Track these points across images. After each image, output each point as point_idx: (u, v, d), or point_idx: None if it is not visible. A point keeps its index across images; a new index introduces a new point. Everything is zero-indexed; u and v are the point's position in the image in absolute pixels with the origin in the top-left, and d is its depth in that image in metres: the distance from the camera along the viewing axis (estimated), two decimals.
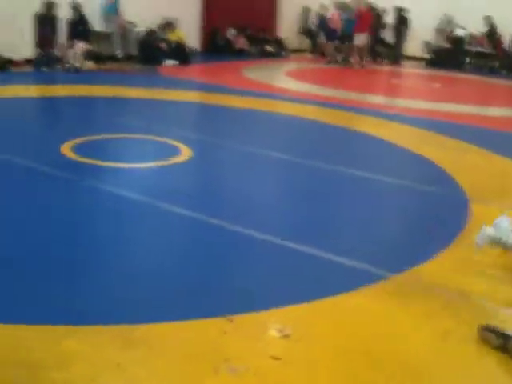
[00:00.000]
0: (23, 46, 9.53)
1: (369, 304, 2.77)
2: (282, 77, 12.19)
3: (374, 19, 15.31)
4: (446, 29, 15.91)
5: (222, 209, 3.92)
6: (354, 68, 14.60)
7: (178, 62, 11.83)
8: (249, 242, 3.40)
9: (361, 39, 15.02)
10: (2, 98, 7.30)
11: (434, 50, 15.88)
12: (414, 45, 16.22)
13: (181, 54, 12.10)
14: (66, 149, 4.96)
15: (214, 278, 2.92)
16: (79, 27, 10.02)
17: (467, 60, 15.71)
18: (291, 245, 3.35)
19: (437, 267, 3.21)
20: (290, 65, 14.35)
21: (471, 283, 3.04)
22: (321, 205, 4.21)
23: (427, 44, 16.31)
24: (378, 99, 9.54)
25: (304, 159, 5.31)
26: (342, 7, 15.51)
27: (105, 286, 2.78)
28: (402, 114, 8.03)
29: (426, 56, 16.16)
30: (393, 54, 16.11)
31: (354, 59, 15.03)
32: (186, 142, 5.55)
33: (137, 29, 11.53)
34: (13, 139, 5.41)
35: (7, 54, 9.30)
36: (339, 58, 15.21)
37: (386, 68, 15.20)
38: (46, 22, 9.46)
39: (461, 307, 2.78)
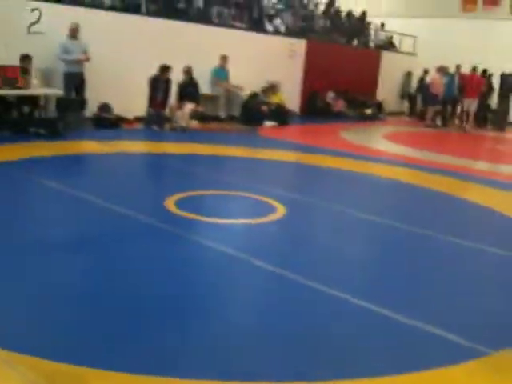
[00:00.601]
0: (136, 106, 10.36)
1: (468, 380, 2.66)
2: (379, 139, 12.20)
3: (484, 84, 15.12)
4: None
5: (311, 268, 3.96)
6: (458, 132, 14.33)
7: (277, 124, 12.26)
8: (339, 305, 3.40)
9: (470, 104, 14.86)
10: (113, 153, 7.94)
11: None
12: None
13: (280, 115, 12.54)
14: (170, 203, 5.28)
15: (303, 346, 2.94)
16: (188, 89, 10.75)
17: None
18: (386, 312, 3.31)
19: None
20: (388, 128, 14.34)
21: None
22: (416, 272, 4.13)
23: None
24: (480, 165, 9.25)
25: (398, 222, 5.26)
26: (444, 72, 15.44)
27: (194, 340, 2.90)
28: (507, 181, 7.73)
29: None
30: (497, 119, 15.65)
31: (460, 124, 14.81)
32: (281, 200, 5.71)
33: (242, 92, 12.16)
34: (121, 192, 5.84)
35: (122, 113, 10.16)
36: (439, 121, 15.02)
37: (489, 134, 14.74)
38: (159, 85, 10.25)
39: None
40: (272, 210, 5.37)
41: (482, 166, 9.22)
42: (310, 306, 3.36)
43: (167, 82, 10.32)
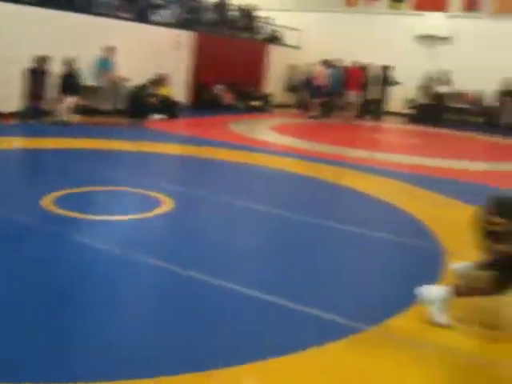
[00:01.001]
0: (11, 99, 9.67)
1: (341, 357, 2.77)
2: (267, 131, 12.44)
3: (364, 77, 15.92)
4: (428, 86, 16.45)
5: (198, 261, 3.93)
6: (342, 123, 14.99)
7: (165, 116, 12.06)
8: (226, 296, 3.40)
9: (352, 96, 15.62)
10: None
11: (417, 106, 16.34)
12: (398, 101, 16.76)
13: (169, 108, 12.35)
14: (48, 201, 4.99)
15: (185, 334, 2.91)
16: (69, 81, 10.23)
17: (449, 116, 16.21)
18: (269, 298, 3.37)
19: (410, 321, 3.22)
20: (275, 120, 14.66)
21: (444, 336, 3.05)
22: (300, 257, 4.25)
23: (411, 101, 16.81)
24: (359, 153, 9.73)
25: (287, 212, 5.39)
26: (329, 65, 16.09)
27: (83, 341, 2.76)
28: (383, 168, 8.19)
29: (410, 112, 16.63)
30: (376, 110, 16.58)
31: (344, 115, 15.51)
32: (169, 194, 5.61)
33: (128, 84, 11.79)
34: None
35: None
36: (323, 113, 15.61)
37: (369, 124, 15.56)
38: (36, 77, 9.65)
39: (433, 361, 2.79)
40: (159, 204, 5.27)
41: (360, 153, 9.71)
42: (197, 299, 3.33)
43: (43, 73, 9.74)
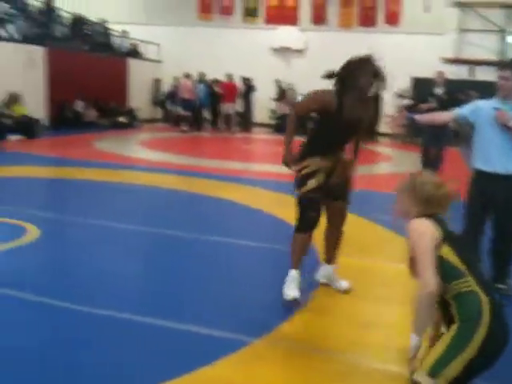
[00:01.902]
0: None
1: (229, 374, 2.74)
2: (135, 146, 12.17)
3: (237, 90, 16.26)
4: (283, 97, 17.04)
5: (70, 290, 3.70)
6: (214, 136, 15.18)
7: (23, 137, 11.30)
8: (103, 322, 3.23)
9: (229, 108, 15.98)
10: None
11: (279, 117, 16.96)
12: (263, 112, 17.31)
13: (27, 128, 11.58)
14: None
15: (61, 367, 2.71)
16: None
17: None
18: (148, 320, 3.25)
19: (295, 326, 3.30)
20: (143, 135, 14.41)
21: (331, 337, 3.17)
22: (175, 275, 4.16)
23: (272, 111, 17.45)
24: (230, 165, 9.87)
25: (158, 229, 5.28)
26: (197, 78, 16.24)
27: None
28: (253, 178, 8.38)
29: (274, 122, 17.23)
30: (243, 121, 17.00)
31: (218, 127, 15.75)
32: (33, 221, 5.23)
33: None
34: None
35: None
36: (185, 127, 15.62)
37: (238, 135, 15.87)
38: None
39: (323, 366, 2.87)
40: (22, 232, 4.88)
41: (235, 165, 9.85)
42: (72, 329, 3.12)
43: None
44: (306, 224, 3.54)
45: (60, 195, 7.18)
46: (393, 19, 17.62)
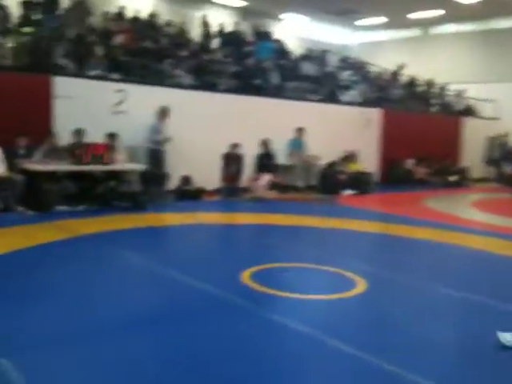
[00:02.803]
0: (215, 178, 10.59)
1: None
2: (466, 207, 11.62)
3: None
4: None
5: (396, 353, 3.63)
6: None
7: (356, 192, 12.04)
8: None
9: None
10: (192, 225, 8.02)
11: None
12: None
13: (359, 184, 12.34)
14: (246, 276, 5.16)
15: None
16: (265, 161, 10.89)
17: None
18: None
19: None
20: (474, 195, 13.69)
21: None
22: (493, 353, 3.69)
23: None
24: None
25: (489, 298, 4.81)
26: None
27: None
28: None
29: None
30: None
31: None
32: (362, 274, 5.43)
33: (319, 162, 12.15)
34: (198, 265, 5.80)
35: (203, 185, 10.43)
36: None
37: None
38: (230, 160, 10.54)
39: None
40: (351, 285, 5.10)
41: None
42: None
43: (238, 157, 10.60)
44: None
45: (388, 251, 7.31)
46: None
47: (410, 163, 14.86)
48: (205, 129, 10.64)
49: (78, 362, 3.33)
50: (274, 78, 13.00)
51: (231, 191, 10.37)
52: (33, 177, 8.00)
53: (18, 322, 3.90)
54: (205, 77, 11.47)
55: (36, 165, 8.08)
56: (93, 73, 9.76)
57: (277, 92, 12.62)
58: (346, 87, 14.87)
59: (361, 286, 5.08)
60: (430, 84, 17.70)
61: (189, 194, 10.05)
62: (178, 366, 3.29)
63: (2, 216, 7.50)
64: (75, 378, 3.13)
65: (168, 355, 3.48)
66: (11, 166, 8.09)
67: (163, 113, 9.72)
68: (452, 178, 15.26)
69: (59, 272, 5.32)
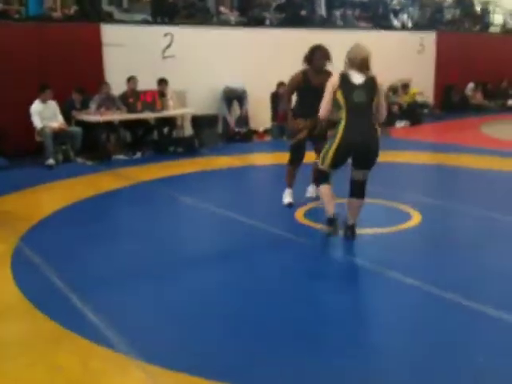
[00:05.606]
0: (265, 120, 10.59)
1: None
2: None
3: None
4: None
5: (456, 282, 3.69)
6: None
7: (408, 123, 11.78)
8: (486, 322, 3.13)
9: None
10: (243, 166, 8.13)
11: None
12: None
13: (412, 114, 12.03)
14: (300, 215, 5.28)
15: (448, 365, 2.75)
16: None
17: None
18: None
19: None
20: None
21: None
22: None
23: None
24: None
25: None
26: None
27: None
28: None
29: None
30: None
31: None
32: (417, 206, 5.43)
33: None
34: (252, 205, 5.98)
35: (253, 126, 10.46)
36: None
37: None
38: (278, 100, 10.39)
39: None
40: (407, 217, 5.13)
41: None
42: (465, 327, 3.12)
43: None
44: (294, 160, 5.50)
45: (443, 182, 7.22)
46: None
47: (469, 88, 14.30)
48: (253, 67, 10.51)
49: (158, 293, 3.63)
50: (321, 7, 12.56)
51: (281, 131, 10.31)
52: (90, 128, 8.26)
53: (101, 260, 4.26)
54: (251, 12, 11.23)
55: (92, 116, 8.32)
56: (139, 18, 9.75)
57: (324, 22, 12.22)
58: (397, 11, 14.22)
59: (416, 218, 5.10)
60: (486, 1, 16.62)
61: (240, 136, 10.11)
62: (246, 305, 3.47)
63: (64, 167, 7.84)
64: (162, 304, 3.44)
65: (244, 284, 3.73)
66: (68, 119, 8.36)
67: None
68: (510, 102, 14.60)
69: (129, 216, 5.74)
